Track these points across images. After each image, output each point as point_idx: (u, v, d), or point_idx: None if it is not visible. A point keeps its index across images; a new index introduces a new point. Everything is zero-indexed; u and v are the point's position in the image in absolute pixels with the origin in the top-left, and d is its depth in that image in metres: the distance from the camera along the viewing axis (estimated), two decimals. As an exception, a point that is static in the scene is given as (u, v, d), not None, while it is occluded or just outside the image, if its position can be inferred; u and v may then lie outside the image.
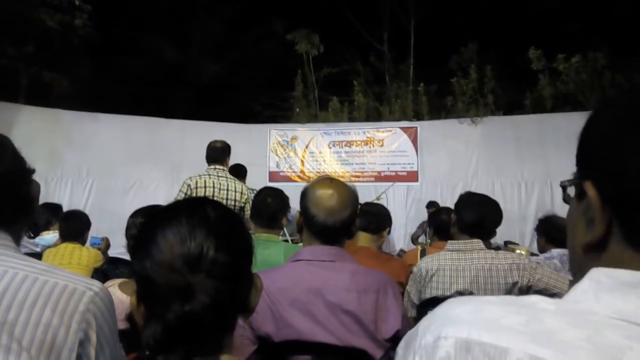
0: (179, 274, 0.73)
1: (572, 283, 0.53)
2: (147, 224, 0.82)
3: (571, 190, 0.58)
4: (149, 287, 0.76)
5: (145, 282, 0.77)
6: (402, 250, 5.38)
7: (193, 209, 0.82)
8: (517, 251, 2.93)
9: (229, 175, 3.74)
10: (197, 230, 0.76)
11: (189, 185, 3.58)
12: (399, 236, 6.74)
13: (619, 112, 0.52)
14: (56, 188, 6.51)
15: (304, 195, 1.61)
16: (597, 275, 0.49)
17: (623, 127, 0.50)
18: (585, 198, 0.53)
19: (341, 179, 1.71)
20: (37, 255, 3.28)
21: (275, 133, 7.48)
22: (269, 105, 10.58)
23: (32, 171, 1.04)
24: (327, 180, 1.62)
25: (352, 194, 1.60)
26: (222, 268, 0.75)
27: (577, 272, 0.53)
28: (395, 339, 1.39)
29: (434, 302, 2.16)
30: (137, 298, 0.79)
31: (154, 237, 0.77)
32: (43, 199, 4.53)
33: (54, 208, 4.14)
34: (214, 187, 3.60)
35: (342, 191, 1.57)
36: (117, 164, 6.81)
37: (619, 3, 8.62)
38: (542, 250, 3.33)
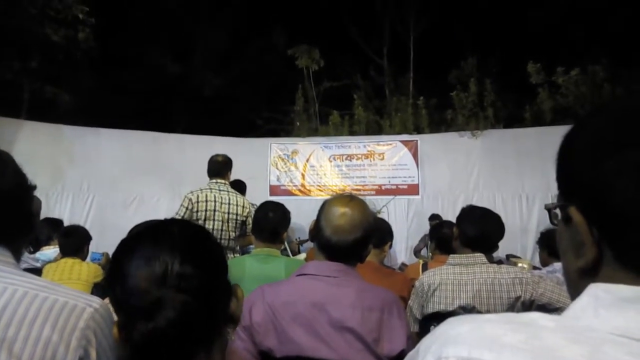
0: (148, 293, 0.73)
1: None
2: (116, 252, 0.83)
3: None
4: (124, 312, 0.76)
5: (120, 309, 0.78)
6: (403, 264, 5.36)
7: (156, 231, 0.84)
8: (520, 265, 2.92)
9: (230, 189, 3.74)
10: (161, 249, 0.77)
11: (190, 200, 3.57)
12: (400, 250, 6.71)
13: (594, 134, 0.52)
14: (57, 203, 6.50)
15: (322, 206, 1.60)
16: (595, 291, 0.49)
17: (602, 148, 0.50)
18: (572, 222, 0.53)
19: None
20: (37, 271, 3.27)
21: (275, 147, 7.49)
22: (270, 119, 10.63)
23: (34, 187, 1.05)
24: (347, 198, 1.58)
25: (366, 219, 1.54)
26: (190, 280, 0.75)
27: (575, 296, 0.53)
28: (400, 359, 1.37)
29: (436, 317, 2.15)
30: (118, 327, 0.78)
31: (121, 264, 0.78)
32: (44, 213, 4.52)
33: (55, 223, 4.13)
34: (215, 201, 3.59)
35: (356, 213, 1.53)
36: (118, 179, 6.80)
37: (618, 15, 8.68)
38: (544, 263, 3.32)
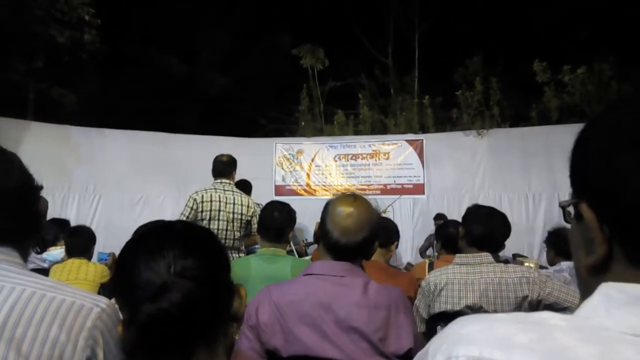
0: (153, 282, 0.75)
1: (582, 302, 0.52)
2: (122, 250, 0.85)
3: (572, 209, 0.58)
4: (130, 304, 0.78)
5: (126, 303, 0.79)
6: (409, 264, 5.34)
7: (160, 229, 0.87)
8: (526, 264, 2.90)
9: (235, 189, 3.74)
10: (165, 245, 0.80)
11: (195, 200, 3.58)
12: (406, 249, 6.69)
13: (609, 130, 0.52)
14: (64, 203, 6.53)
15: (326, 207, 1.60)
16: (608, 290, 0.48)
17: (615, 145, 0.49)
18: (583, 219, 0.52)
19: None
20: (45, 271, 3.29)
21: (281, 147, 7.49)
22: (275, 119, 10.65)
23: (40, 188, 1.05)
24: (351, 198, 1.58)
25: (372, 217, 1.55)
26: (193, 271, 0.78)
27: (585, 294, 0.53)
28: (407, 358, 1.37)
29: (443, 316, 2.14)
30: (123, 324, 0.80)
31: (128, 260, 0.81)
32: (51, 214, 4.54)
33: (62, 223, 4.16)
34: (220, 201, 3.59)
35: (361, 212, 1.53)
36: (124, 179, 6.82)
37: (624, 13, 8.62)
38: (551, 262, 3.30)
